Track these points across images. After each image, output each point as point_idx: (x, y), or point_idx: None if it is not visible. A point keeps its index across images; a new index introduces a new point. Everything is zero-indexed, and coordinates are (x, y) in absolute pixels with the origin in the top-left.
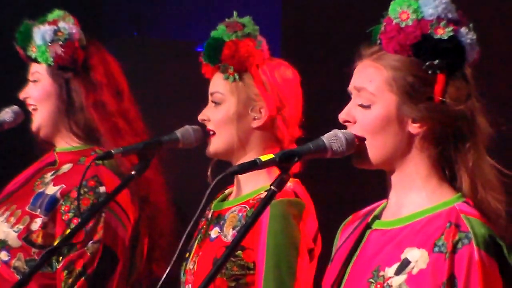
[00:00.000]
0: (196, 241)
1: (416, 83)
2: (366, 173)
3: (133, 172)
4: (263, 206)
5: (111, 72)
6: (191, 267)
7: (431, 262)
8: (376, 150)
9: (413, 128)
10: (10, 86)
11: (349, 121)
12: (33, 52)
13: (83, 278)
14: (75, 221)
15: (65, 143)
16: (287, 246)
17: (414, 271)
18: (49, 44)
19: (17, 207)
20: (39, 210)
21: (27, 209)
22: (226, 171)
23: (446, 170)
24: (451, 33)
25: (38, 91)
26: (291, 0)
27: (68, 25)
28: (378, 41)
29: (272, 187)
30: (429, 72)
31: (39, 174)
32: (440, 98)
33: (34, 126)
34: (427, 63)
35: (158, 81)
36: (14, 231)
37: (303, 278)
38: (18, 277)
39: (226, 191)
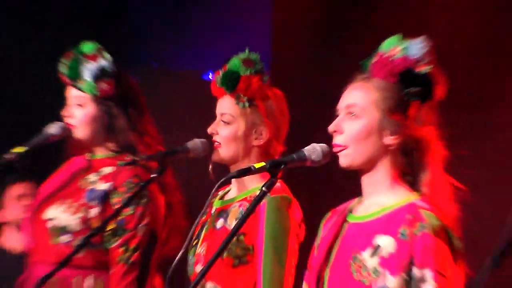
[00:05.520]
0: (203, 231)
1: (396, 104)
2: (335, 176)
3: (154, 174)
4: (257, 202)
5: (138, 97)
6: (201, 250)
7: (396, 246)
8: (357, 155)
9: (389, 140)
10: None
11: (336, 132)
12: (80, 84)
13: (137, 252)
14: (126, 210)
15: (101, 152)
16: (282, 231)
17: (385, 254)
18: (97, 80)
19: (73, 201)
20: (93, 202)
21: (83, 202)
22: (227, 176)
23: (408, 176)
24: (428, 70)
25: (83, 115)
26: (280, 40)
27: (108, 62)
28: (368, 70)
29: (263, 188)
30: (407, 97)
31: (79, 176)
32: (412, 119)
33: (76, 140)
34: (406, 90)
35: (171, 104)
36: (75, 218)
37: (293, 255)
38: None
39: (221, 192)
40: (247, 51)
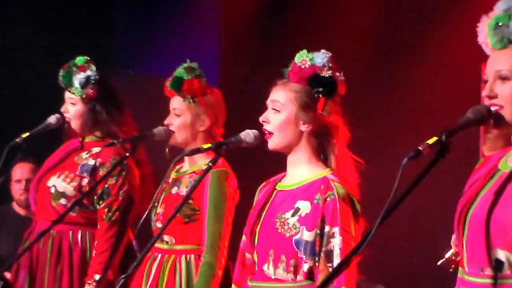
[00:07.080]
0: (162, 196)
1: (308, 101)
2: (266, 157)
3: (127, 154)
4: (204, 174)
5: (116, 94)
6: (160, 211)
7: (312, 209)
8: (280, 140)
9: (304, 127)
10: (53, 101)
11: (265, 122)
12: (72, 89)
13: (118, 212)
14: (109, 179)
15: (90, 137)
16: (221, 196)
17: (303, 214)
18: (83, 86)
19: (69, 172)
20: (85, 173)
21: (77, 173)
22: (182, 154)
23: (321, 155)
24: (330, 74)
25: (74, 111)
26: (226, 44)
27: (93, 72)
28: (286, 76)
29: (209, 163)
30: (315, 95)
31: (73, 154)
32: (320, 111)
33: (71, 128)
34: (315, 89)
35: (142, 101)
36: (70, 186)
37: (229, 214)
38: (70, 213)
39: (177, 167)
40: (188, 61)
